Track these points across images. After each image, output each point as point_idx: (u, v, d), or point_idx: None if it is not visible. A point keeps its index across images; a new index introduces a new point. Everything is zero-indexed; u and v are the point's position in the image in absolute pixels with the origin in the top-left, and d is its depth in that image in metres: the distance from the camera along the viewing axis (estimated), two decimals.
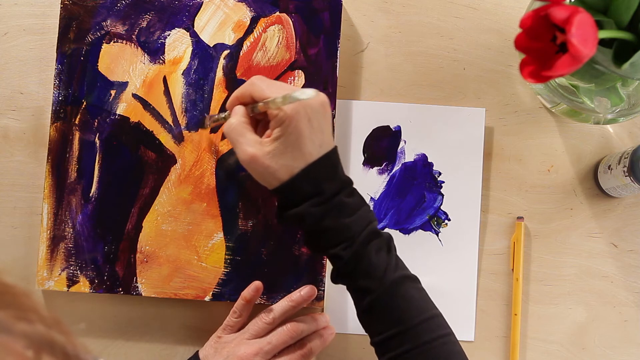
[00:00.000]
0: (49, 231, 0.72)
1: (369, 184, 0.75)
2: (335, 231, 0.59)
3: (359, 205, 0.60)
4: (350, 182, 0.61)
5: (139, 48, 0.73)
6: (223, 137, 0.73)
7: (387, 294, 0.59)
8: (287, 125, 0.57)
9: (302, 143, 0.58)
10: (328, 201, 0.59)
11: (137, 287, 0.72)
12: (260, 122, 0.63)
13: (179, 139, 0.73)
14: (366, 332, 0.62)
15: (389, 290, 0.59)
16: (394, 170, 0.75)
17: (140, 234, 0.72)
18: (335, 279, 0.62)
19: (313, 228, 0.60)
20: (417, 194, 0.75)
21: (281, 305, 0.69)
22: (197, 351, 0.69)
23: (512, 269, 0.74)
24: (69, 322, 0.74)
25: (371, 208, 0.61)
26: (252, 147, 0.59)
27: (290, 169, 0.58)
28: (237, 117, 0.61)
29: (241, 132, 0.59)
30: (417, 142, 0.75)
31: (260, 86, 0.60)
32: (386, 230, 0.75)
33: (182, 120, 0.73)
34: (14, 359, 0.36)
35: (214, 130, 0.73)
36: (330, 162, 0.60)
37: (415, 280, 0.61)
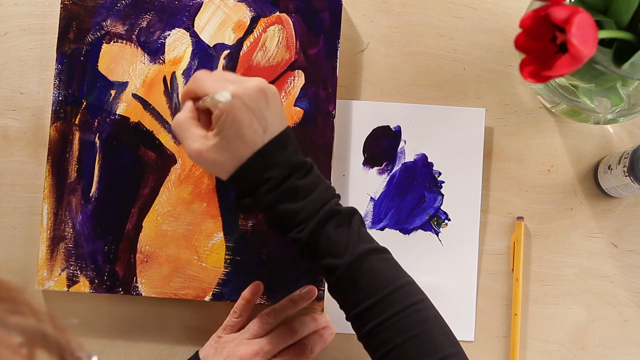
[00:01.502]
0: (49, 231, 0.72)
1: (369, 184, 0.75)
2: (289, 215, 0.59)
3: (313, 185, 0.60)
4: (302, 163, 0.60)
5: (139, 48, 0.73)
6: None
7: (351, 269, 0.59)
8: (225, 119, 0.58)
9: (243, 134, 0.58)
10: (277, 188, 0.59)
11: (137, 287, 0.72)
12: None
13: None
14: (341, 309, 0.62)
15: (353, 265, 0.59)
16: (394, 170, 0.75)
17: (140, 234, 0.72)
18: (301, 259, 0.62)
19: (268, 214, 0.60)
20: (417, 194, 0.75)
21: (281, 305, 0.70)
22: (197, 351, 0.69)
23: (512, 269, 0.74)
24: (69, 322, 0.74)
25: (329, 185, 0.61)
26: (196, 142, 0.59)
27: (236, 160, 0.59)
28: (184, 112, 0.61)
29: (186, 128, 0.60)
30: (417, 142, 0.75)
31: (201, 82, 0.60)
32: (386, 230, 0.75)
33: None
34: (8, 352, 0.36)
35: None
36: (276, 147, 0.59)
37: (381, 251, 0.61)
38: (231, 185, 0.61)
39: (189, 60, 0.73)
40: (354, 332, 0.74)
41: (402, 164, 0.75)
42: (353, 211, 0.61)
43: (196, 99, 0.62)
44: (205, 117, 0.62)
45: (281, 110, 0.61)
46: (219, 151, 0.59)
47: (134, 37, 0.73)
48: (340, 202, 0.62)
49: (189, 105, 0.62)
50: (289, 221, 0.60)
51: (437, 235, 0.75)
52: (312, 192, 0.60)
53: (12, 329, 0.37)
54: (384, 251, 0.61)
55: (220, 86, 0.58)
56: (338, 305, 0.62)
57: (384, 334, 0.58)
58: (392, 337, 0.58)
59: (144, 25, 0.73)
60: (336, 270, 0.59)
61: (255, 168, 0.59)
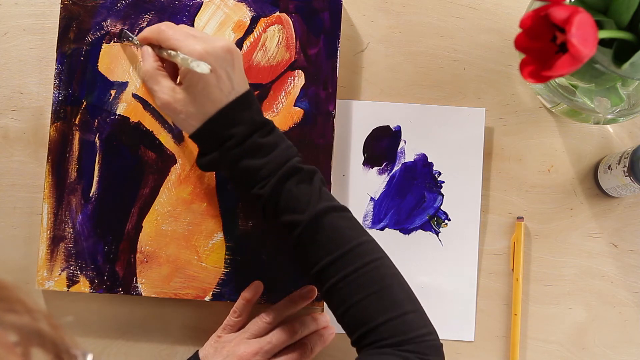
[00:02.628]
0: (49, 231, 0.72)
1: (369, 184, 0.75)
2: (251, 171, 0.61)
3: (275, 144, 0.61)
4: (265, 122, 0.62)
5: (139, 48, 0.73)
6: None
7: (312, 225, 0.60)
8: (192, 76, 0.60)
9: (210, 92, 0.60)
10: (239, 145, 0.60)
11: (137, 287, 0.72)
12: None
13: (179, 139, 0.73)
14: (302, 268, 0.63)
15: (313, 221, 0.60)
16: (394, 170, 0.75)
17: (140, 234, 0.72)
18: (264, 219, 0.63)
19: (230, 172, 0.62)
20: (417, 194, 0.75)
21: (281, 305, 0.70)
22: (197, 351, 0.69)
23: (512, 269, 0.74)
24: (69, 322, 0.74)
25: (291, 145, 0.63)
26: (165, 94, 0.61)
27: (200, 117, 0.60)
28: (149, 62, 0.63)
29: (155, 80, 0.62)
30: (417, 142, 0.75)
31: (167, 35, 0.62)
32: (386, 230, 0.75)
33: None
34: (3, 350, 0.36)
35: None
36: (241, 106, 0.61)
37: (341, 209, 0.62)
38: (195, 141, 0.63)
39: None
40: None
41: (402, 164, 0.75)
42: (314, 170, 0.62)
43: (157, 47, 0.64)
44: (169, 66, 0.64)
45: (243, 72, 0.63)
46: (186, 105, 0.60)
47: None
48: (300, 161, 0.63)
49: (151, 54, 0.64)
50: (251, 177, 0.61)
51: (437, 235, 0.75)
52: (274, 150, 0.61)
53: (7, 327, 0.37)
54: (345, 209, 0.62)
55: (190, 44, 0.60)
56: (300, 267, 0.63)
57: (345, 290, 0.59)
58: (353, 294, 0.59)
59: (144, 25, 0.73)
60: (297, 227, 0.60)
61: (220, 124, 0.60)
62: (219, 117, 0.60)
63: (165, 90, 0.62)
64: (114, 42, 0.73)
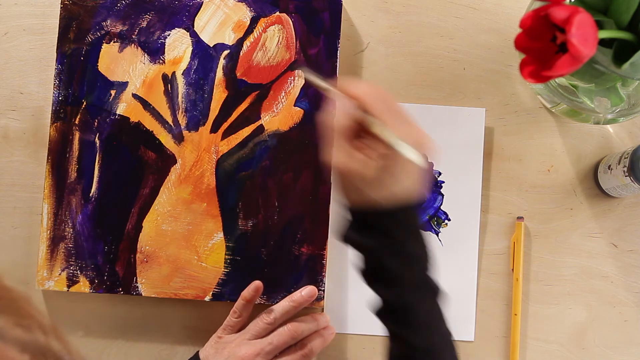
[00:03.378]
0: (49, 231, 0.72)
1: None
2: (394, 274, 0.55)
3: (425, 255, 0.57)
4: (419, 230, 0.57)
5: (139, 48, 0.73)
6: (223, 137, 0.73)
7: (427, 356, 0.56)
8: (390, 160, 0.53)
9: (394, 184, 0.54)
10: (394, 245, 0.55)
11: (137, 287, 0.72)
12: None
13: (179, 139, 0.73)
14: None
15: (429, 353, 0.56)
16: None
17: (140, 234, 0.72)
18: (375, 314, 0.58)
19: (371, 263, 0.56)
20: None
21: (282, 306, 0.70)
22: (198, 351, 0.69)
23: (512, 269, 0.74)
24: (69, 322, 0.74)
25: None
26: (346, 158, 0.54)
27: (371, 201, 0.54)
28: (349, 118, 0.55)
29: (343, 136, 0.55)
30: None
31: (381, 108, 0.54)
32: None
33: (182, 120, 0.73)
34: None
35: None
36: (412, 212, 0.56)
37: (455, 347, 0.58)
38: (351, 213, 0.57)
39: (189, 60, 0.73)
40: (354, 332, 0.74)
41: None
42: (441, 290, 0.58)
43: (362, 110, 0.55)
44: (357, 128, 0.56)
45: (425, 185, 0.58)
46: (363, 181, 0.54)
47: (134, 37, 0.73)
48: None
49: (355, 113, 0.55)
50: (390, 280, 0.56)
51: (437, 235, 0.75)
52: (421, 261, 0.56)
53: (13, 342, 0.37)
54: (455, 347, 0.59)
55: (407, 133, 0.53)
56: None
57: None
58: None
59: (144, 25, 0.73)
60: (410, 348, 0.56)
61: (389, 220, 0.55)
62: (394, 212, 0.54)
63: (348, 153, 0.54)
64: (117, 43, 0.73)
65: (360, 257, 0.57)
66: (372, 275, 0.57)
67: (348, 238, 0.57)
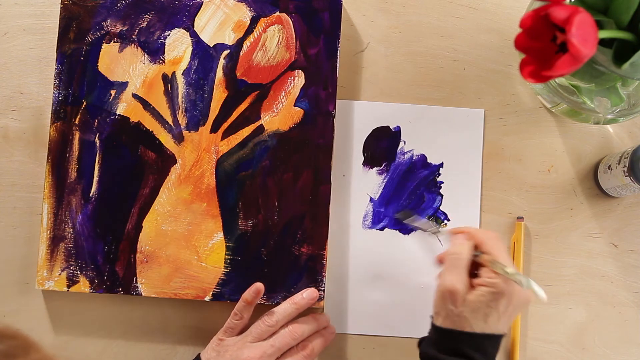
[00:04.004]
0: (49, 231, 0.72)
1: (369, 184, 0.75)
2: None
3: None
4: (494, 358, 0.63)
5: (139, 48, 0.73)
6: (223, 137, 0.73)
7: None
8: (495, 293, 0.60)
9: (492, 315, 0.60)
10: None
11: (137, 287, 0.72)
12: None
13: (179, 139, 0.73)
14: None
15: None
16: (393, 171, 0.75)
17: (140, 234, 0.72)
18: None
19: None
20: (417, 194, 0.75)
21: (283, 308, 0.69)
22: (199, 354, 0.69)
23: None
24: (69, 322, 0.74)
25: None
26: (459, 283, 0.61)
27: (468, 325, 0.60)
28: (467, 252, 0.63)
29: (463, 269, 0.62)
30: (416, 143, 0.75)
31: (496, 248, 0.63)
32: (386, 230, 0.75)
33: (182, 120, 0.73)
34: None
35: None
36: (495, 343, 0.62)
37: None
38: (440, 331, 0.62)
39: (189, 60, 0.73)
40: (354, 332, 0.74)
41: (402, 164, 0.75)
42: None
43: (473, 243, 0.64)
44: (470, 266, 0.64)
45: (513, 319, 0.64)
46: (467, 307, 0.61)
47: (134, 37, 0.73)
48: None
49: (470, 248, 0.64)
50: None
51: (437, 236, 0.75)
52: None
53: None
54: None
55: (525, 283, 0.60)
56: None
57: None
58: None
59: (144, 25, 0.73)
60: None
61: (476, 345, 0.61)
62: (484, 340, 0.61)
63: (461, 280, 0.62)
64: (116, 43, 0.73)
65: None
66: None
67: (427, 354, 0.62)
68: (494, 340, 0.61)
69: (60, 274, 0.72)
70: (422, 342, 0.64)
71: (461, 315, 0.60)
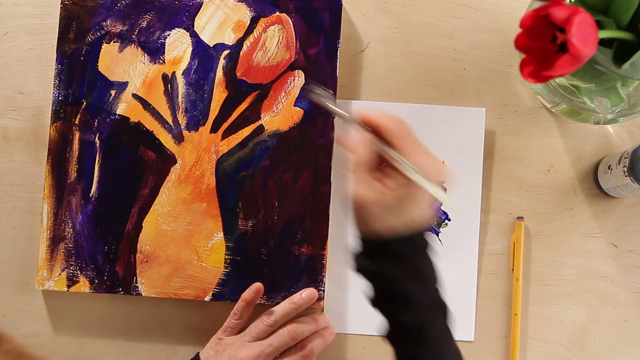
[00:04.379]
0: (49, 231, 0.72)
1: None
2: (410, 297, 0.56)
3: (435, 275, 0.58)
4: (430, 252, 0.58)
5: (139, 48, 0.73)
6: (223, 137, 0.73)
7: None
8: (411, 189, 0.54)
9: (414, 212, 0.55)
10: (411, 269, 0.56)
11: (137, 287, 0.72)
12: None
13: (179, 139, 0.73)
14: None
15: None
16: None
17: (140, 234, 0.72)
18: (386, 337, 0.59)
19: (386, 289, 0.57)
20: None
21: (282, 308, 0.70)
22: (198, 353, 0.69)
23: (512, 269, 0.74)
24: (69, 322, 0.74)
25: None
26: (365, 191, 0.56)
27: (390, 229, 0.56)
28: (368, 152, 0.56)
29: (368, 174, 0.56)
30: None
31: (404, 141, 0.56)
32: None
33: (182, 120, 0.73)
34: None
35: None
36: (425, 236, 0.57)
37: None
38: (362, 240, 0.58)
39: (189, 60, 0.73)
40: (353, 332, 0.74)
41: None
42: (447, 306, 0.59)
43: (381, 141, 0.57)
44: (376, 159, 0.58)
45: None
46: (386, 213, 0.55)
47: (134, 37, 0.73)
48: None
49: (374, 145, 0.56)
50: (403, 302, 0.57)
51: (437, 235, 0.75)
52: (433, 283, 0.57)
53: None
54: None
55: (427, 164, 0.55)
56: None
57: None
58: None
59: (144, 25, 0.73)
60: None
61: (404, 247, 0.56)
62: (411, 239, 0.56)
63: (376, 189, 0.55)
64: (117, 43, 0.73)
65: (371, 285, 0.57)
66: (385, 300, 0.57)
67: (362, 268, 0.58)
68: (418, 237, 0.56)
69: (60, 274, 0.72)
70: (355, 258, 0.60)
71: (377, 219, 0.55)
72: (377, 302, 0.58)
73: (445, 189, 0.54)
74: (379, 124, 0.57)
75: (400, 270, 0.56)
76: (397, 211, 0.55)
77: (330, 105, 0.61)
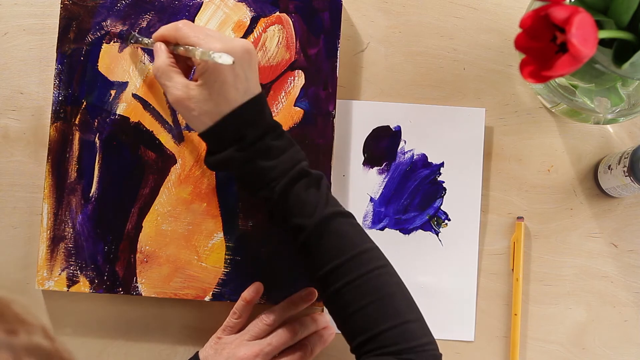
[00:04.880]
0: (49, 231, 0.72)
1: (369, 184, 0.75)
2: (260, 173, 0.61)
3: (286, 147, 0.62)
4: (277, 125, 0.62)
5: (139, 48, 0.73)
6: None
7: (319, 230, 0.60)
8: (210, 74, 0.59)
9: (226, 90, 0.59)
10: (252, 145, 0.60)
11: (137, 287, 0.72)
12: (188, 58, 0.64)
13: (179, 139, 0.73)
14: (306, 270, 0.64)
15: (320, 226, 0.60)
16: (393, 171, 0.75)
17: (140, 234, 0.72)
18: (270, 221, 0.63)
19: (239, 172, 0.62)
20: (418, 193, 0.75)
21: (282, 307, 0.70)
22: (197, 352, 0.69)
23: (512, 269, 0.74)
24: (69, 322, 0.74)
25: (300, 149, 0.63)
26: (179, 90, 0.61)
27: (214, 115, 0.60)
28: (162, 58, 0.63)
29: (168, 76, 0.62)
30: (417, 142, 0.75)
31: (185, 32, 0.61)
32: (386, 230, 0.75)
33: (182, 120, 0.73)
34: None
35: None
36: (255, 108, 0.61)
37: (348, 215, 0.62)
38: (205, 139, 0.62)
39: None
40: None
41: (402, 164, 0.75)
42: (321, 175, 0.63)
43: (172, 44, 0.63)
44: (182, 63, 0.64)
45: (258, 74, 0.63)
46: (199, 103, 0.60)
47: None
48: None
49: (164, 50, 0.63)
50: (260, 179, 0.61)
51: (437, 235, 0.75)
52: (284, 153, 0.61)
53: (3, 348, 0.37)
54: (350, 216, 0.63)
55: (209, 41, 0.59)
56: (305, 270, 0.63)
57: (347, 296, 0.59)
58: (355, 300, 0.59)
59: (144, 25, 0.73)
60: (303, 231, 0.60)
61: (234, 124, 0.60)
62: (233, 116, 0.60)
63: (179, 86, 0.61)
64: (117, 43, 0.73)
65: (237, 179, 0.64)
66: (244, 184, 0.63)
67: (211, 163, 0.62)
68: (248, 107, 0.60)
69: (60, 274, 0.72)
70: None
71: (202, 113, 0.60)
72: (241, 186, 0.65)
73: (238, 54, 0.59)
74: (163, 34, 0.63)
75: (235, 152, 0.60)
76: (209, 97, 0.59)
77: (140, 42, 0.71)
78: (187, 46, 0.61)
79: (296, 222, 0.61)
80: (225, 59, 0.57)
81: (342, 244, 0.60)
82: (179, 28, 0.62)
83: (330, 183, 0.72)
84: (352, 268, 0.59)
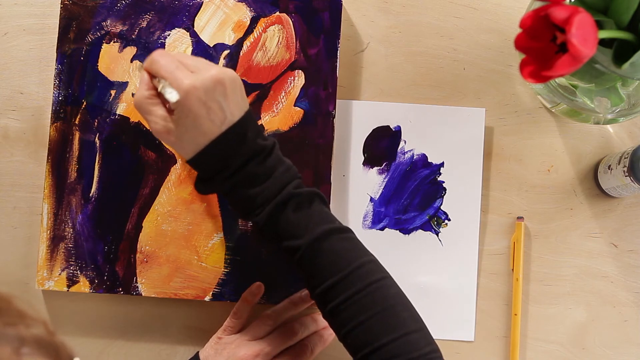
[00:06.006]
0: (49, 231, 0.72)
1: (369, 184, 0.75)
2: (247, 200, 0.60)
3: (273, 170, 0.60)
4: (261, 149, 0.60)
5: (139, 48, 0.73)
6: None
7: (311, 250, 0.60)
8: (181, 109, 0.57)
9: (200, 124, 0.58)
10: (235, 174, 0.60)
11: (137, 287, 0.72)
12: None
13: None
14: (305, 287, 0.63)
15: (313, 246, 0.60)
16: (393, 171, 0.75)
17: (140, 234, 0.72)
18: (264, 239, 0.64)
19: (227, 198, 0.62)
20: (418, 193, 0.75)
21: (282, 307, 0.70)
22: (198, 352, 0.69)
23: (512, 269, 0.74)
24: (69, 322, 0.74)
25: (290, 167, 0.62)
26: (157, 124, 0.59)
27: (194, 147, 0.59)
28: (141, 91, 0.60)
29: (147, 109, 0.60)
30: (417, 142, 0.75)
31: (157, 65, 0.59)
32: (386, 230, 0.75)
33: None
34: None
35: None
36: (234, 137, 0.59)
37: (343, 230, 0.61)
38: (192, 167, 0.62)
39: None
40: None
41: (402, 164, 0.75)
42: (313, 193, 0.62)
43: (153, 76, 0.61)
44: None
45: (241, 95, 0.60)
46: (179, 136, 0.59)
47: (134, 37, 0.73)
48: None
49: (146, 82, 0.60)
50: (247, 206, 0.61)
51: (437, 235, 0.75)
52: (270, 177, 0.60)
53: (4, 340, 0.37)
54: (346, 230, 0.62)
55: (178, 76, 0.57)
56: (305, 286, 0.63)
57: (347, 312, 0.59)
58: (355, 315, 0.59)
59: (144, 25, 0.73)
60: (297, 252, 0.60)
61: (212, 156, 0.59)
62: (211, 148, 0.59)
63: (157, 119, 0.59)
64: (117, 43, 0.73)
65: (229, 202, 0.63)
66: (237, 210, 0.62)
67: (199, 189, 0.63)
68: (226, 138, 0.59)
69: (60, 274, 0.72)
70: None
71: (183, 145, 0.59)
72: (235, 211, 0.63)
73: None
74: (146, 67, 0.61)
75: (220, 181, 0.60)
76: (185, 131, 0.58)
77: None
78: (158, 79, 0.59)
79: (287, 245, 0.60)
80: (171, 97, 0.56)
81: (337, 261, 0.60)
82: (153, 60, 0.59)
83: (330, 183, 0.72)
84: (349, 285, 0.59)
